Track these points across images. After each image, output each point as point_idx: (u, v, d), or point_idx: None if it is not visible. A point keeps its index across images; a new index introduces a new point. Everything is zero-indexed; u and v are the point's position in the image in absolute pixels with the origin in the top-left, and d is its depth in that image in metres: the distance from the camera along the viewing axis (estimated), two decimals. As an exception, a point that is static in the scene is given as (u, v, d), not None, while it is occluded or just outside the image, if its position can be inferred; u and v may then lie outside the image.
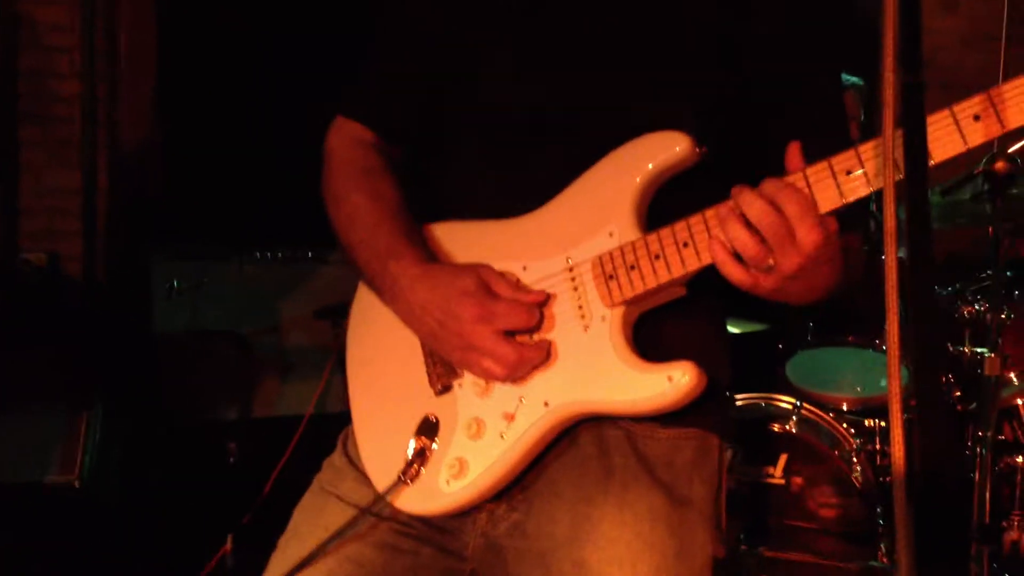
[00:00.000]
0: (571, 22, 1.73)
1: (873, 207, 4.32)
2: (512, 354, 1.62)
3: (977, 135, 1.42)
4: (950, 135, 1.42)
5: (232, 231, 4.92)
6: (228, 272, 4.83)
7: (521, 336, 1.66)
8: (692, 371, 1.57)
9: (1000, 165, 3.00)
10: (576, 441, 1.70)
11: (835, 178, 1.47)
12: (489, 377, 1.67)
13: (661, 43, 1.69)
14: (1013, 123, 1.41)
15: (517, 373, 1.65)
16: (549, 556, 1.66)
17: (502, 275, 1.68)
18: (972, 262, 3.96)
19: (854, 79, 4.28)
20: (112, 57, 5.16)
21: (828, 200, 1.49)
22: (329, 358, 4.73)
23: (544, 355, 1.64)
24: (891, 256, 1.10)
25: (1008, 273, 3.72)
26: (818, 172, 1.49)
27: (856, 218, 1.60)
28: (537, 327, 1.65)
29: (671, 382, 1.57)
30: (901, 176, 1.16)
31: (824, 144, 1.51)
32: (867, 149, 1.46)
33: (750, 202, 1.47)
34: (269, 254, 4.95)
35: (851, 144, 1.48)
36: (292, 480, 4.10)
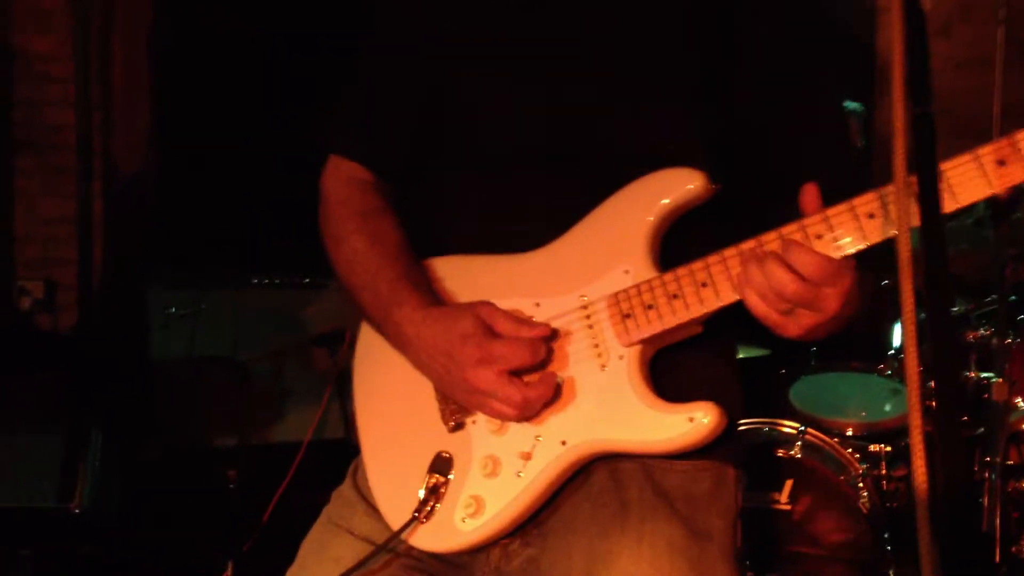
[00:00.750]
0: (573, 50, 1.71)
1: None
2: (517, 394, 1.59)
3: (1003, 180, 1.40)
4: (975, 179, 1.40)
5: (229, 258, 4.91)
6: (225, 299, 4.81)
7: (530, 375, 1.62)
8: (713, 412, 1.55)
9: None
10: (591, 475, 1.67)
11: (858, 221, 1.46)
12: (502, 418, 1.65)
13: (665, 73, 1.68)
14: None
15: (527, 413, 1.62)
16: None
17: (505, 312, 1.64)
18: (976, 287, 3.97)
19: (852, 105, 4.30)
20: (107, 86, 5.19)
21: (850, 244, 1.47)
22: (327, 385, 4.70)
23: (552, 391, 1.61)
24: (907, 287, 1.09)
25: (1013, 298, 3.74)
26: (840, 215, 1.47)
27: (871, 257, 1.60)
28: (546, 362, 1.62)
29: (692, 423, 1.55)
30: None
31: (828, 169, 1.51)
32: (889, 192, 1.45)
33: (773, 272, 1.46)
34: (266, 280, 4.93)
35: (855, 172, 1.48)
36: (291, 507, 4.11)
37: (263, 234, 4.93)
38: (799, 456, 3.53)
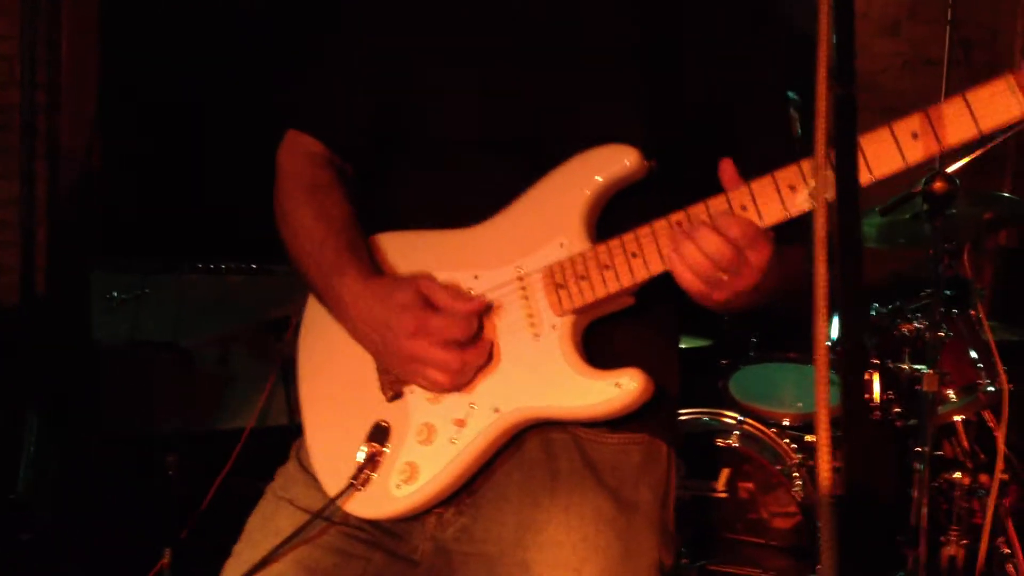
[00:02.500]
0: (521, 31, 1.76)
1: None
2: (454, 360, 1.65)
3: (916, 152, 1.47)
4: (889, 152, 1.47)
5: (175, 242, 4.87)
6: (170, 284, 4.76)
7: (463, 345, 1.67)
8: (639, 378, 1.61)
9: (939, 185, 3.05)
10: (524, 446, 1.73)
11: (779, 193, 1.52)
12: (435, 387, 1.69)
13: (610, 52, 1.73)
14: (950, 142, 1.46)
15: (461, 379, 1.67)
16: (496, 560, 1.69)
17: (443, 285, 1.69)
18: (914, 281, 4.03)
19: (790, 94, 4.36)
20: (54, 66, 5.13)
21: (773, 214, 1.54)
22: (272, 371, 4.67)
23: (486, 356, 1.67)
24: (821, 265, 1.12)
25: (948, 292, 3.80)
26: (763, 187, 1.53)
27: (799, 230, 1.65)
28: (478, 336, 1.67)
29: (619, 388, 1.61)
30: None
31: (769, 153, 1.56)
32: (809, 164, 1.51)
33: (704, 236, 1.51)
34: (212, 266, 4.89)
35: (795, 158, 1.52)
36: (232, 494, 4.09)
37: (209, 219, 4.90)
38: (737, 445, 3.59)
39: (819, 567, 3.47)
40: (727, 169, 1.56)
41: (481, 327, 1.68)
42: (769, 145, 1.74)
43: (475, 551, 1.72)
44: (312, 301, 1.87)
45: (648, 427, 1.74)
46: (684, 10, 1.76)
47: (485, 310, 1.68)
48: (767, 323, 3.90)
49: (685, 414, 3.75)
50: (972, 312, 3.80)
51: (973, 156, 3.26)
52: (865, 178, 1.49)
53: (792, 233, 1.57)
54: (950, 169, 3.10)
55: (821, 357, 1.06)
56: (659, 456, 1.78)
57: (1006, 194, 3.77)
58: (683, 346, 4.02)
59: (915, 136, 1.47)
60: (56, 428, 4.12)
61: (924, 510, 3.18)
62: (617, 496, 1.71)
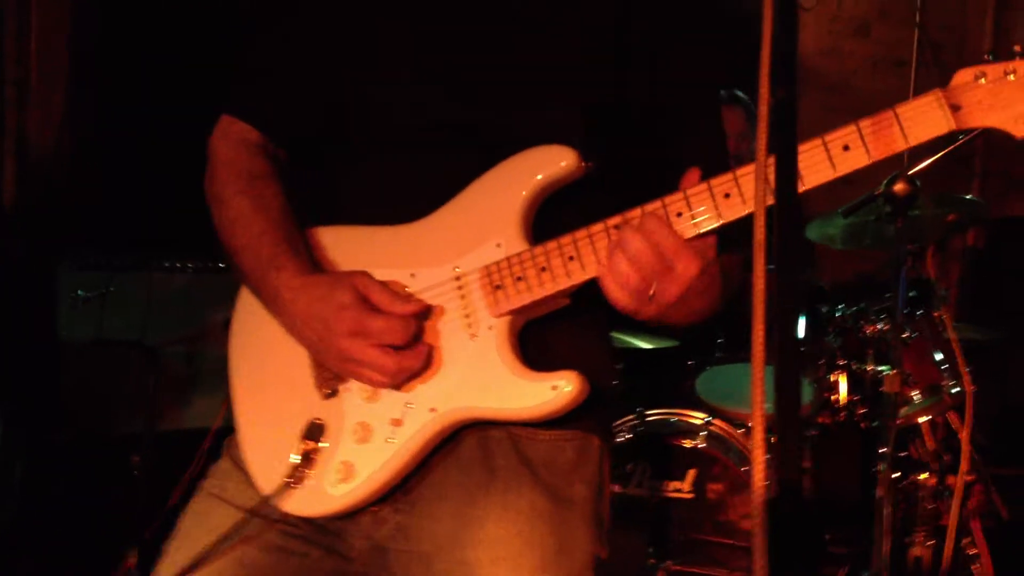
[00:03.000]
0: (466, 22, 1.75)
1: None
2: (391, 364, 1.65)
3: (846, 164, 1.52)
4: (821, 162, 1.51)
5: (141, 240, 4.84)
6: (135, 282, 4.73)
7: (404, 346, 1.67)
8: (576, 380, 1.62)
9: (900, 187, 3.07)
10: (460, 444, 1.74)
11: (714, 200, 1.54)
12: (373, 385, 1.69)
13: (552, 50, 1.74)
14: (878, 154, 1.52)
15: (397, 380, 1.67)
16: (433, 557, 1.70)
17: (382, 285, 1.69)
18: (880, 282, 4.06)
19: (742, 95, 4.37)
20: (23, 61, 5.07)
21: (707, 221, 1.56)
22: (239, 370, 4.67)
23: (424, 361, 1.67)
24: (759, 267, 1.13)
25: (912, 293, 3.82)
26: (698, 194, 1.55)
27: (735, 239, 1.66)
28: (416, 338, 1.67)
29: (555, 391, 1.63)
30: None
31: (705, 158, 1.58)
32: (744, 173, 1.53)
33: (629, 240, 1.53)
34: (178, 264, 4.86)
35: (728, 166, 1.56)
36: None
37: (176, 217, 4.87)
38: (703, 446, 3.60)
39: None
40: (691, 178, 1.58)
41: (420, 330, 1.68)
42: (706, 147, 1.76)
43: (412, 549, 1.73)
44: (244, 294, 1.86)
45: (581, 424, 1.75)
46: (630, 10, 1.76)
47: (424, 312, 1.67)
48: (732, 324, 3.91)
49: (652, 415, 3.76)
50: (936, 313, 3.82)
51: (936, 158, 3.28)
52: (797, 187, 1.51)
53: (730, 241, 1.58)
54: (912, 171, 3.11)
55: (758, 359, 1.06)
56: (592, 451, 1.80)
57: (968, 196, 3.79)
58: (649, 347, 4.06)
59: (846, 148, 1.52)
60: (20, 427, 4.09)
61: (887, 511, 3.19)
62: (552, 492, 1.73)
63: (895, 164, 3.37)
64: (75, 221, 5.00)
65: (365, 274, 1.70)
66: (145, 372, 4.33)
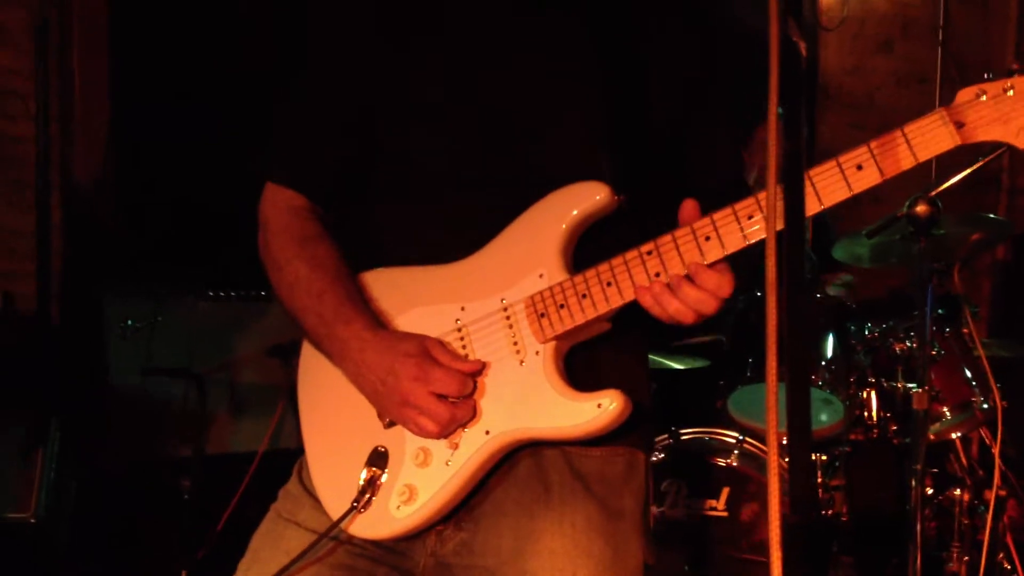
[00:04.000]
0: (494, 78, 1.86)
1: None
2: (445, 413, 1.76)
3: (860, 183, 1.62)
4: (837, 182, 1.61)
5: (186, 270, 4.96)
6: (181, 312, 4.86)
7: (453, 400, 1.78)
8: (619, 398, 1.72)
9: (922, 208, 3.14)
10: (516, 463, 1.84)
11: (739, 223, 1.65)
12: (423, 433, 1.79)
13: (578, 95, 1.84)
14: (890, 172, 1.61)
15: (447, 431, 1.78)
16: (496, 571, 1.80)
17: (445, 346, 1.80)
18: (905, 300, 4.12)
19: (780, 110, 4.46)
20: (66, 99, 5.20)
21: (733, 243, 1.68)
22: (281, 395, 4.78)
23: (472, 414, 1.78)
24: (772, 302, 1.21)
25: (940, 311, 3.88)
26: (725, 218, 1.66)
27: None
28: (469, 395, 1.78)
29: (600, 409, 1.72)
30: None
31: (722, 182, 1.69)
32: (763, 197, 1.64)
33: (686, 293, 1.69)
34: (222, 293, 4.99)
35: (750, 190, 1.66)
36: (246, 516, 4.18)
37: (220, 246, 4.99)
38: (736, 464, 3.65)
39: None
40: (690, 208, 1.71)
41: (475, 387, 1.79)
42: (723, 172, 1.89)
43: (475, 564, 1.82)
44: (308, 342, 1.97)
45: (628, 439, 1.86)
46: (647, 50, 1.88)
47: (481, 370, 1.79)
48: (763, 344, 3.97)
49: (686, 434, 3.82)
50: (964, 330, 3.88)
51: (962, 176, 3.35)
52: (815, 207, 1.64)
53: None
54: (933, 192, 3.19)
55: (772, 383, 1.15)
56: (638, 465, 1.91)
57: (992, 215, 3.85)
58: (682, 367, 4.13)
59: (859, 167, 1.62)
60: (73, 454, 4.20)
61: (919, 526, 3.24)
62: (605, 504, 1.84)
63: (924, 181, 3.45)
64: (123, 252, 5.12)
65: (433, 338, 1.81)
66: (192, 398, 4.45)
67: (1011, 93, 1.60)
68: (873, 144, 1.62)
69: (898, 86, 6.01)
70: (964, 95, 1.63)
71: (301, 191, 1.97)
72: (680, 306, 1.69)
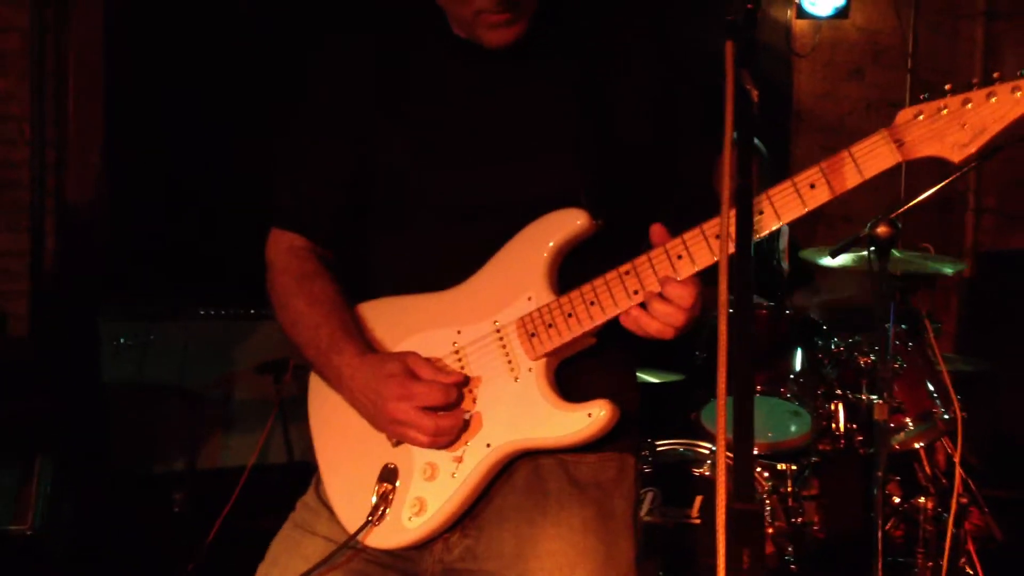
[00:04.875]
0: (481, 124, 2.02)
1: (776, 263, 4.63)
2: (430, 424, 1.90)
3: (813, 200, 1.76)
4: (792, 200, 1.76)
5: (178, 290, 5.09)
6: (174, 329, 4.99)
7: (444, 410, 1.92)
8: (607, 407, 1.88)
9: (883, 229, 3.30)
10: (516, 472, 1.99)
11: (707, 241, 1.79)
12: (417, 445, 1.94)
13: (556, 133, 2.00)
14: (840, 189, 1.75)
15: (439, 441, 1.92)
16: (498, 573, 1.95)
17: (426, 360, 1.95)
18: (871, 316, 4.27)
19: (758, 144, 4.66)
20: (61, 124, 5.29)
21: (703, 260, 1.82)
22: (271, 411, 4.90)
23: (460, 423, 1.92)
24: (723, 323, 1.36)
25: (903, 326, 4.04)
26: (693, 237, 1.82)
27: None
28: (456, 405, 1.93)
29: (591, 417, 1.88)
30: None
31: (693, 204, 1.86)
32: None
33: (659, 309, 1.83)
34: (213, 311, 5.12)
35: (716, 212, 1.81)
36: (236, 527, 4.29)
37: (210, 266, 5.11)
38: (709, 474, 3.78)
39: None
40: (658, 232, 1.85)
41: (462, 397, 1.94)
42: (692, 194, 2.03)
43: (479, 568, 1.97)
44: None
45: (617, 445, 2.01)
46: (619, 82, 2.03)
47: (464, 381, 1.95)
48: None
49: (662, 445, 3.95)
50: (927, 345, 4.03)
51: (929, 195, 3.50)
52: (773, 223, 1.79)
53: None
54: (893, 214, 3.34)
55: (721, 393, 1.30)
56: (628, 469, 2.06)
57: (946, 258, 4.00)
58: (657, 381, 4.27)
59: (812, 186, 1.76)
60: (69, 468, 4.31)
61: (880, 533, 3.38)
62: (598, 507, 1.99)
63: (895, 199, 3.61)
64: (115, 273, 5.21)
65: (413, 353, 1.96)
66: (184, 414, 4.56)
67: (945, 112, 1.72)
68: (824, 164, 1.75)
69: (868, 111, 6.19)
70: (903, 116, 1.75)
71: (301, 233, 2.14)
72: (652, 321, 1.83)
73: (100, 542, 4.47)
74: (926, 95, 1.75)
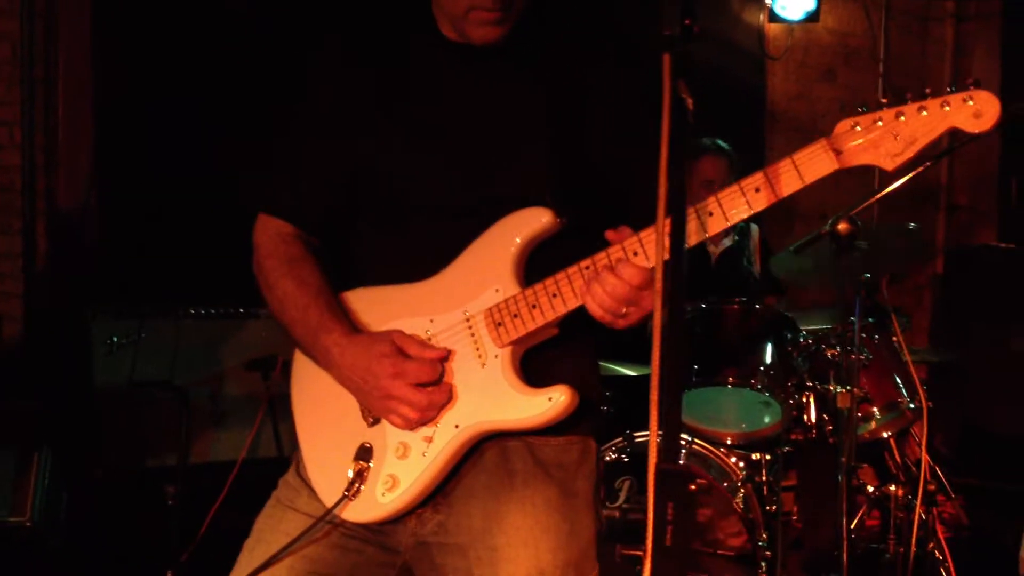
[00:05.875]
0: (459, 129, 2.14)
1: (747, 263, 4.76)
2: (424, 399, 2.04)
3: (759, 203, 1.88)
4: (739, 202, 1.89)
5: (168, 288, 5.17)
6: (165, 327, 5.08)
7: (428, 386, 2.06)
8: (567, 392, 2.01)
9: (843, 226, 3.43)
10: (485, 453, 2.12)
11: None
12: (405, 421, 2.07)
13: (528, 138, 2.13)
14: (783, 193, 1.87)
15: (428, 415, 2.06)
16: (468, 546, 2.08)
17: (411, 337, 2.08)
18: (839, 309, 4.41)
19: (726, 146, 4.80)
20: (51, 128, 5.41)
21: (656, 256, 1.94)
22: (260, 407, 5.01)
23: (447, 396, 2.06)
24: (658, 315, 1.48)
25: (870, 319, 4.17)
26: (648, 236, 1.94)
27: None
28: (440, 379, 2.06)
29: (551, 402, 2.01)
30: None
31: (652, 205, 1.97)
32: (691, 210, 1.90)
33: (606, 278, 1.93)
34: (203, 310, 5.21)
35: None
36: (227, 521, 4.38)
37: (200, 265, 5.18)
38: (684, 463, 3.91)
39: (761, 571, 3.80)
40: (618, 232, 1.97)
41: (444, 372, 2.08)
42: (653, 200, 2.15)
43: (449, 541, 2.10)
44: (299, 352, 2.25)
45: (580, 429, 2.14)
46: (587, 92, 2.15)
47: (445, 356, 2.08)
48: (706, 353, 4.22)
49: (639, 436, 4.06)
50: (894, 338, 4.17)
51: (896, 186, 3.62)
52: (722, 224, 1.91)
53: None
54: (853, 212, 3.47)
55: (655, 372, 1.43)
56: (591, 452, 2.20)
57: (911, 225, 4.11)
58: (632, 373, 4.39)
59: (757, 190, 1.87)
60: (65, 462, 4.41)
61: (844, 520, 3.51)
62: (562, 486, 2.12)
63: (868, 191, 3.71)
64: (106, 274, 5.30)
65: (400, 331, 2.10)
66: (175, 410, 4.65)
67: (880, 124, 1.83)
68: (768, 170, 1.86)
69: (841, 112, 6.29)
70: (842, 126, 1.86)
71: (289, 220, 2.25)
72: (602, 294, 1.92)
73: (96, 533, 4.58)
74: (863, 107, 1.85)
